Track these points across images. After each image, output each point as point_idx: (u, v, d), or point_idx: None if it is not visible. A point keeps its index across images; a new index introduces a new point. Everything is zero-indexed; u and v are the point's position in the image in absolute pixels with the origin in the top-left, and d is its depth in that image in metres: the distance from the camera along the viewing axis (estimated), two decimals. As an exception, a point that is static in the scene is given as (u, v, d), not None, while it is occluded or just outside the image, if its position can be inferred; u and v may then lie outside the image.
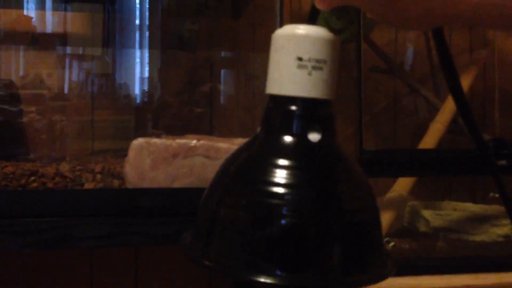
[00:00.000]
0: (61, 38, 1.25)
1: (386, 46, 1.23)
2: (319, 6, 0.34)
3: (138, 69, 1.32)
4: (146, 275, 1.15)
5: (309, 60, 0.32)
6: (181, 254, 1.22)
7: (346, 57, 1.01)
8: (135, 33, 1.30)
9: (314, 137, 0.32)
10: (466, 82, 1.09)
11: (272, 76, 0.33)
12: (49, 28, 1.27)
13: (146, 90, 1.32)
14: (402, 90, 1.25)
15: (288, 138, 0.32)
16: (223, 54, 1.34)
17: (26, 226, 0.71)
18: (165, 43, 1.32)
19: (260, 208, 0.30)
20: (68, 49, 1.27)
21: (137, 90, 1.32)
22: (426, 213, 1.03)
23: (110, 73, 1.31)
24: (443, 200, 1.15)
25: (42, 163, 0.79)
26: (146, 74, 1.32)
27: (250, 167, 0.32)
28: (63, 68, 1.26)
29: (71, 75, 1.28)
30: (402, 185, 0.97)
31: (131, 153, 0.78)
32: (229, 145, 0.81)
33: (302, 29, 0.32)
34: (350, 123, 0.99)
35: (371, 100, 1.24)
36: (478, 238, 0.99)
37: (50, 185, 0.74)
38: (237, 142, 0.85)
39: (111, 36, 1.29)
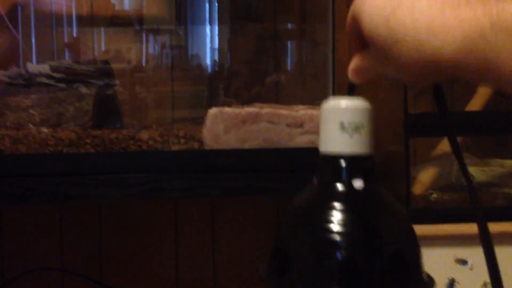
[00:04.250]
0: (138, 16, 1.40)
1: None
2: (353, 79, 0.43)
3: (209, 41, 1.45)
4: (220, 222, 1.32)
5: (350, 125, 0.40)
6: (249, 204, 1.38)
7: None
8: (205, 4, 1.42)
9: (358, 185, 0.40)
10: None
11: (323, 138, 0.42)
12: (126, 6, 1.43)
13: (217, 61, 1.45)
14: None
15: (338, 187, 0.40)
16: (289, 25, 1.45)
17: (128, 180, 0.89)
18: (233, 15, 1.43)
19: (321, 243, 0.39)
20: (145, 26, 1.42)
21: (208, 62, 1.46)
22: (472, 169, 1.13)
23: (183, 46, 1.45)
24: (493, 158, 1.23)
25: (135, 130, 0.97)
26: (216, 45, 1.45)
27: (311, 211, 0.41)
28: (141, 43, 1.42)
29: (148, 50, 1.43)
30: (448, 143, 1.07)
31: (208, 121, 0.93)
32: (289, 112, 0.95)
33: (343, 102, 0.41)
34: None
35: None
36: (519, 191, 1.09)
37: (144, 147, 0.91)
38: (298, 109, 0.99)
39: (183, 9, 1.42)
